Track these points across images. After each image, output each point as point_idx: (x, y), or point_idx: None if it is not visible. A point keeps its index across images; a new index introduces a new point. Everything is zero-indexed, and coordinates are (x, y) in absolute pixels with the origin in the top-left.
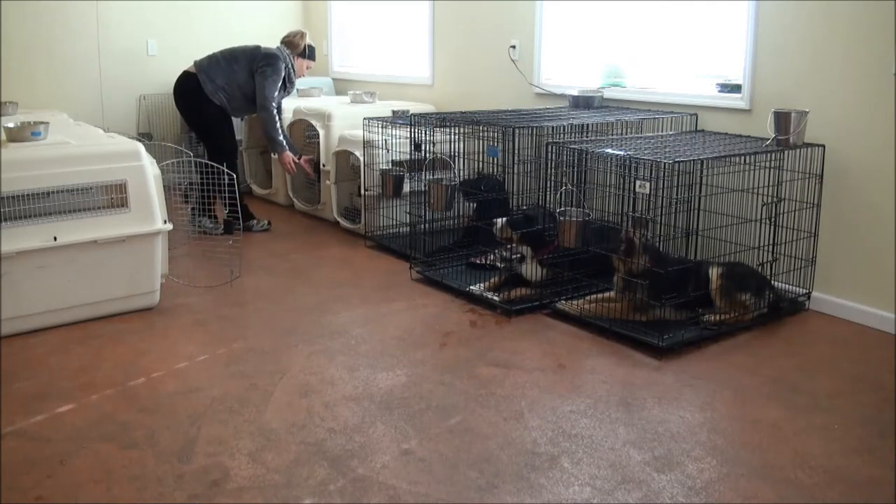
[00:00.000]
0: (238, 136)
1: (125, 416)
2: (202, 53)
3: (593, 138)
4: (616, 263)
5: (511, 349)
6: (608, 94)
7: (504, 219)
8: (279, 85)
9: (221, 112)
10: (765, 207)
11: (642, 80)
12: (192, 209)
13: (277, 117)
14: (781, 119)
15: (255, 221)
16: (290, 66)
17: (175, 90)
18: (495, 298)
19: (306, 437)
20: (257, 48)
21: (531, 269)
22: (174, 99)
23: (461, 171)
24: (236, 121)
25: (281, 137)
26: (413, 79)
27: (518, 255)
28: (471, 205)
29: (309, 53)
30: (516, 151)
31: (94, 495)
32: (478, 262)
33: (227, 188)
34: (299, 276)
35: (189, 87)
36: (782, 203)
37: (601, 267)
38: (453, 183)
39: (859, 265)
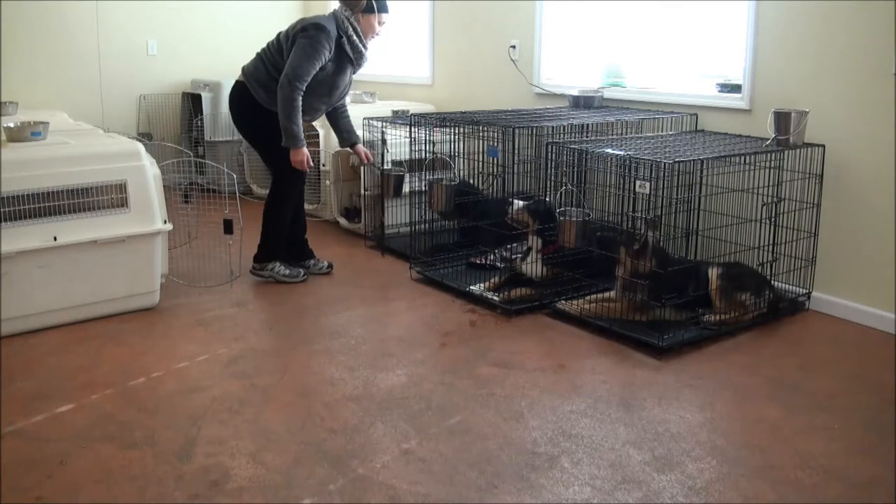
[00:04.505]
0: (235, 135)
1: (125, 416)
2: (202, 53)
3: (593, 138)
4: (622, 261)
5: (511, 349)
6: (608, 94)
7: (522, 202)
8: (316, 60)
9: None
10: (765, 207)
11: (642, 80)
12: (261, 264)
13: (300, 101)
14: (781, 119)
15: (275, 266)
16: (352, 31)
17: (230, 102)
18: (495, 298)
19: (306, 437)
20: (299, 21)
21: (534, 266)
22: (231, 114)
23: (461, 172)
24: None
25: (298, 127)
26: (413, 79)
27: (524, 251)
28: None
29: (377, 5)
30: (516, 151)
31: (94, 495)
32: (478, 262)
33: (227, 188)
34: None
35: (242, 100)
36: (782, 203)
37: (602, 267)
38: (454, 183)
39: (859, 265)
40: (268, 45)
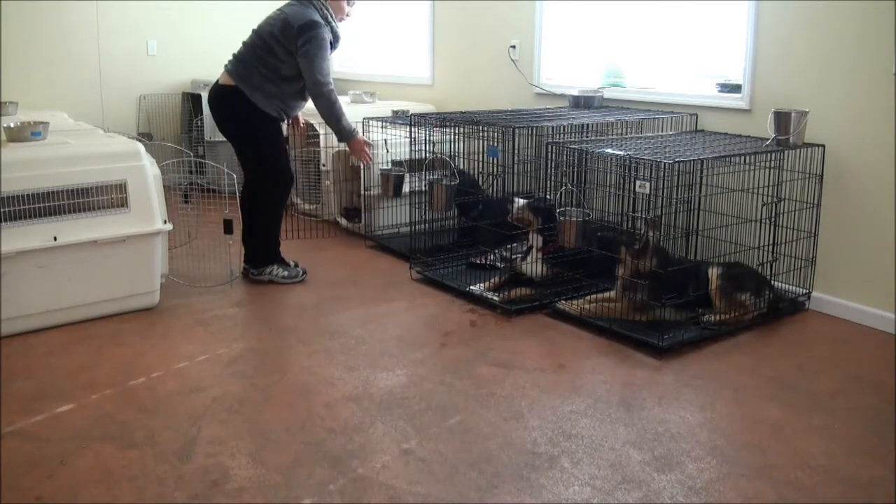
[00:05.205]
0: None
1: (125, 416)
2: (202, 53)
3: (593, 138)
4: (623, 259)
5: (511, 349)
6: (608, 94)
7: (525, 200)
8: (327, 55)
9: (277, 123)
10: (765, 207)
11: (642, 80)
12: (251, 265)
13: (337, 97)
14: (781, 119)
15: (273, 269)
16: (329, 17)
17: (216, 106)
18: (495, 298)
19: (306, 437)
20: (285, 22)
21: (535, 265)
22: (216, 118)
23: (462, 165)
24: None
25: (348, 121)
26: (413, 79)
27: (525, 249)
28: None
29: None
30: (516, 151)
31: (94, 495)
32: (478, 262)
33: (227, 188)
34: None
35: (238, 104)
36: (782, 203)
37: (602, 267)
38: (454, 183)
39: (859, 265)
40: (250, 47)
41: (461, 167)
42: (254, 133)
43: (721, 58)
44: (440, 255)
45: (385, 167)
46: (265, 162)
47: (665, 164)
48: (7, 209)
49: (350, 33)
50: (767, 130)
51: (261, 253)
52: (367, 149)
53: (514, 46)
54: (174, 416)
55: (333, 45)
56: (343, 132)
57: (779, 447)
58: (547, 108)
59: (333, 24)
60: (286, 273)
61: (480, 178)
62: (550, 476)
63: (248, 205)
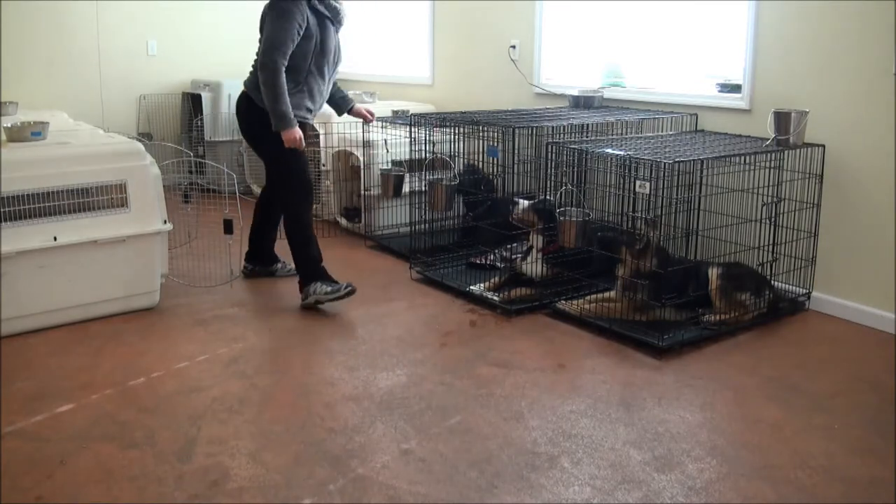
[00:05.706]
0: (235, 135)
1: (125, 416)
2: (202, 53)
3: (593, 138)
4: (623, 259)
5: (511, 349)
6: (608, 94)
7: (528, 202)
8: (289, 28)
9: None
10: (765, 207)
11: (642, 80)
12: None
13: (284, 77)
14: (781, 119)
15: (315, 286)
16: None
17: (237, 114)
18: (495, 298)
19: (306, 437)
20: (264, 8)
21: (535, 265)
22: (241, 131)
23: (469, 157)
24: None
25: (287, 106)
26: (413, 79)
27: (525, 249)
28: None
29: None
30: (516, 151)
31: (94, 495)
32: (478, 262)
33: (227, 188)
34: None
35: (245, 108)
36: (782, 203)
37: (602, 267)
38: (453, 183)
39: (859, 265)
40: (257, 53)
41: (474, 164)
42: (261, 136)
43: (721, 58)
44: (440, 255)
45: (385, 167)
46: (277, 164)
47: (665, 164)
48: (7, 209)
49: (350, 33)
50: (767, 130)
51: (301, 271)
52: (299, 141)
53: (514, 46)
54: (174, 416)
55: (335, 20)
56: (276, 116)
57: (779, 447)
58: (547, 108)
59: None
60: (328, 289)
61: (496, 179)
62: (550, 476)
63: (261, 206)
